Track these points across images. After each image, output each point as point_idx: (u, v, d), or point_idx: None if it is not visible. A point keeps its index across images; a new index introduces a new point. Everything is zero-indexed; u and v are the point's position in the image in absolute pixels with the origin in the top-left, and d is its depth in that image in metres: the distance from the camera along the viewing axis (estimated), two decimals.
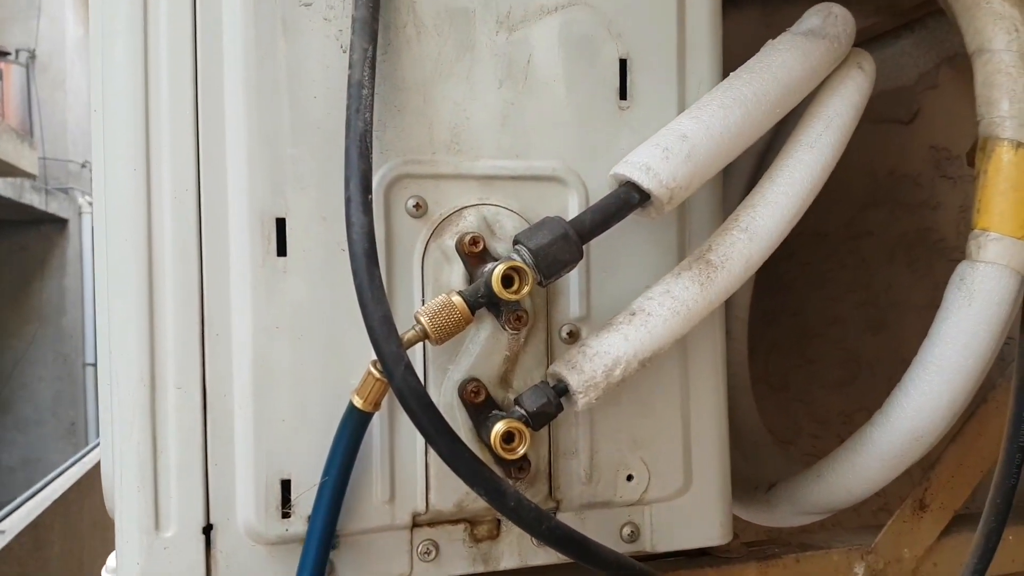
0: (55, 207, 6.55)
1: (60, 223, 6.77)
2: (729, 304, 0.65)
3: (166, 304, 0.54)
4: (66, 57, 7.09)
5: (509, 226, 0.58)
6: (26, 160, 5.62)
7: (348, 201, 0.51)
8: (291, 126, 0.55)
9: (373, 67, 0.53)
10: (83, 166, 6.90)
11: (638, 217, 0.57)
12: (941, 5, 0.75)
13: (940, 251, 0.91)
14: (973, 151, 0.67)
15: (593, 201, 0.59)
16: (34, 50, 6.86)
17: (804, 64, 0.61)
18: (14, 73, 6.54)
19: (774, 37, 1.22)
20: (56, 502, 3.85)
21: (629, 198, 0.55)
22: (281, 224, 0.55)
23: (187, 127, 0.54)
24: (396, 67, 0.57)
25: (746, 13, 1.27)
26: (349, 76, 0.52)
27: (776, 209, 0.58)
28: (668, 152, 0.55)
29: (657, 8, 0.61)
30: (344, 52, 0.56)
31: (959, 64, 0.92)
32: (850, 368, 1.09)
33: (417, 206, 0.57)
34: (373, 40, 0.53)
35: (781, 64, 0.60)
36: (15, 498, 3.88)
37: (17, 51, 6.70)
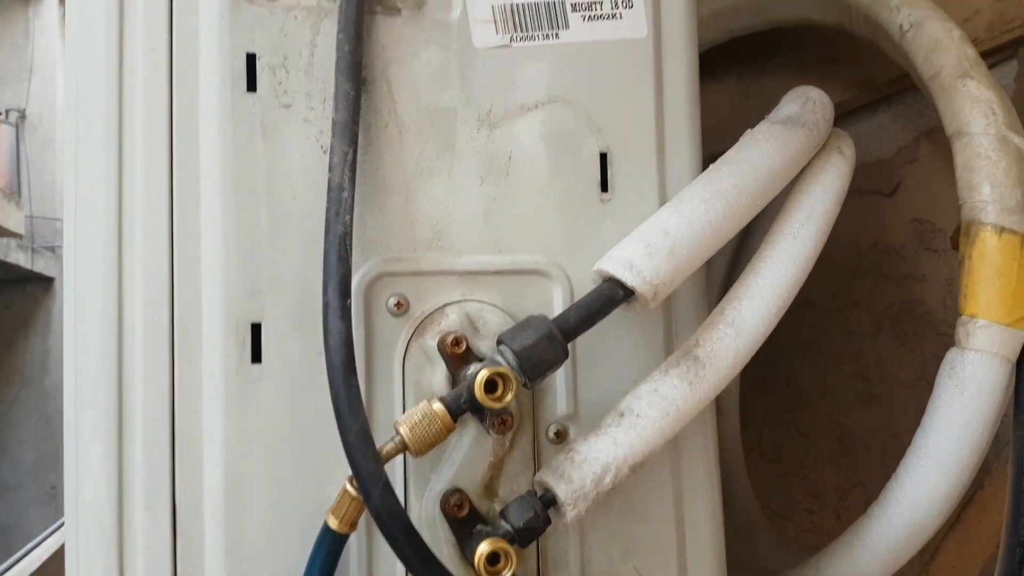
0: (41, 265, 6.51)
1: (46, 281, 6.72)
2: None
3: (135, 416, 0.53)
4: (56, 116, 7.15)
5: (493, 323, 0.57)
6: (13, 220, 5.61)
7: (326, 306, 0.49)
8: (269, 227, 0.54)
9: (353, 169, 0.52)
10: None
11: (623, 312, 0.56)
12: (918, 84, 0.77)
13: (928, 324, 0.91)
14: (957, 234, 0.67)
15: (577, 294, 0.59)
16: (24, 110, 6.91)
17: (783, 154, 0.61)
18: (4, 133, 6.57)
19: (751, 107, 1.24)
20: (34, 574, 3.72)
21: (613, 294, 0.54)
22: (256, 329, 0.54)
23: (161, 229, 0.54)
24: (378, 166, 0.56)
25: (724, 83, 1.29)
26: (329, 179, 0.52)
27: (761, 303, 0.57)
28: (651, 248, 0.54)
29: (635, 103, 0.61)
30: (324, 152, 0.55)
31: (937, 138, 0.93)
32: (844, 441, 1.07)
33: (398, 304, 0.56)
34: (353, 143, 0.52)
35: (761, 156, 0.60)
36: None
37: (8, 111, 6.75)
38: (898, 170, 0.98)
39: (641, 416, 0.53)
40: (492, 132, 0.59)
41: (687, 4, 0.63)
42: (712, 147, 1.27)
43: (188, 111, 0.54)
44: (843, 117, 1.02)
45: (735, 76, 1.24)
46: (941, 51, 0.72)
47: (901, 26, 0.77)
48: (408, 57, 0.57)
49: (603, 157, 0.61)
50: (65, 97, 0.53)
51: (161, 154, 0.54)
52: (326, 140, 0.55)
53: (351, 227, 0.51)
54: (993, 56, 0.82)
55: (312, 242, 0.54)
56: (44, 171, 6.95)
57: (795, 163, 0.62)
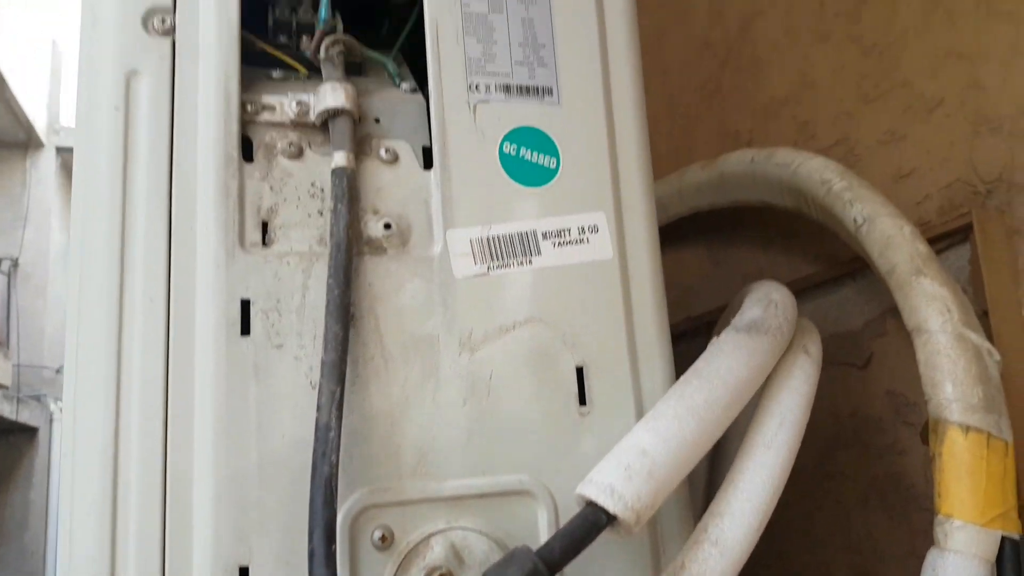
0: (26, 416, 6.40)
1: (30, 432, 6.58)
2: None
3: None
4: (49, 265, 7.27)
5: (479, 551, 0.57)
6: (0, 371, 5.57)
7: (311, 555, 0.50)
8: (258, 467, 0.56)
9: (340, 408, 0.54)
10: (57, 372, 6.84)
11: (607, 536, 0.57)
12: (875, 275, 0.81)
13: (912, 498, 0.92)
14: (926, 430, 0.69)
15: (562, 513, 0.60)
16: (17, 259, 7.04)
17: (750, 364, 0.64)
18: None
19: (722, 272, 1.28)
20: None
21: (597, 520, 0.55)
22: (244, 573, 0.54)
23: (156, 470, 0.55)
24: (364, 397, 0.59)
25: (695, 250, 1.36)
26: (317, 419, 0.54)
27: (743, 519, 0.58)
28: (630, 471, 0.56)
29: (606, 318, 0.65)
30: (313, 388, 0.58)
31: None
32: None
33: (383, 538, 0.57)
34: (341, 382, 0.55)
35: (728, 369, 0.63)
36: None
37: (1, 260, 6.86)
38: (868, 343, 1.01)
39: None
40: (473, 354, 0.62)
41: (647, 225, 0.68)
42: (689, 308, 1.31)
43: (184, 356, 0.57)
44: (809, 290, 1.08)
45: (704, 245, 1.31)
46: (894, 248, 0.77)
47: (855, 220, 0.83)
48: (394, 292, 0.61)
49: (579, 371, 0.64)
50: (66, 343, 0.56)
51: (157, 403, 0.56)
52: (315, 376, 0.58)
53: (336, 468, 0.53)
54: (945, 240, 0.87)
55: (299, 480, 0.55)
56: (35, 318, 6.98)
57: (762, 371, 0.65)
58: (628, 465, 0.57)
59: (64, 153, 6.97)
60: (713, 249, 1.30)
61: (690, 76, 1.41)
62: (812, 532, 1.07)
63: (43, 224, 7.36)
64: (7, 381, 5.79)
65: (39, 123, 6.69)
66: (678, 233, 1.33)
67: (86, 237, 0.58)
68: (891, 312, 0.98)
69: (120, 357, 0.56)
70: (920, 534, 0.90)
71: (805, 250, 1.12)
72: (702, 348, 0.66)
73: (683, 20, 1.44)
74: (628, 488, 0.55)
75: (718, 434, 0.61)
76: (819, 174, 0.91)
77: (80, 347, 0.57)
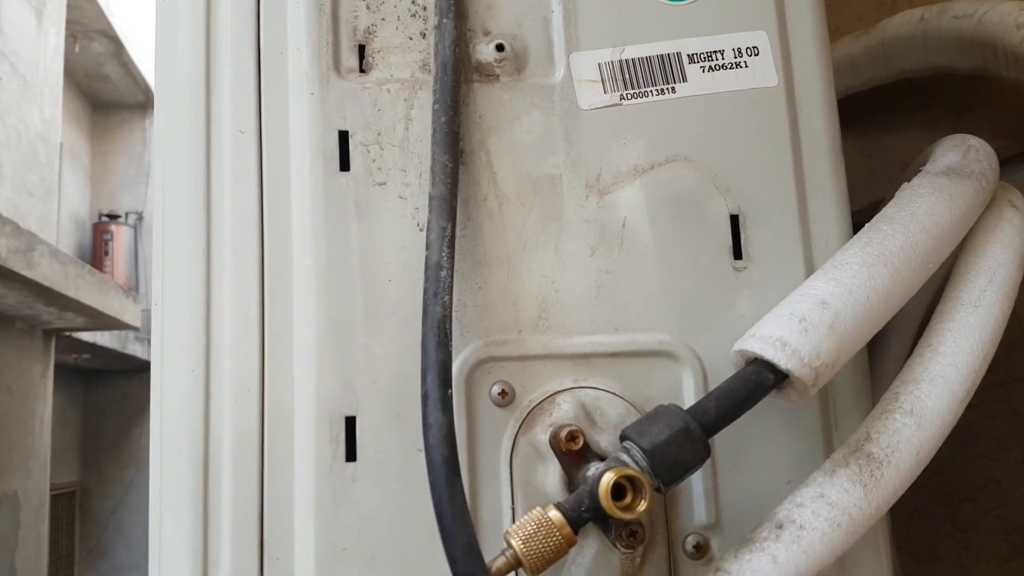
0: None
1: None
2: None
3: (221, 520, 0.47)
4: None
5: (612, 413, 0.49)
6: (131, 314, 5.97)
7: (425, 397, 0.43)
8: (363, 313, 0.49)
9: (452, 246, 0.47)
10: None
11: (773, 399, 0.47)
12: None
13: None
14: None
15: (711, 379, 0.50)
16: (141, 212, 7.48)
17: (953, 210, 0.52)
18: (124, 234, 7.10)
19: (876, 165, 1.13)
20: None
21: (762, 380, 0.45)
22: (351, 423, 0.48)
23: (252, 317, 0.49)
24: (477, 242, 0.51)
25: (843, 141, 1.20)
26: (427, 257, 0.46)
27: (945, 386, 0.47)
28: (807, 323, 0.45)
29: (769, 158, 0.54)
30: (421, 231, 0.50)
31: None
32: (1014, 540, 0.90)
33: (503, 393, 0.49)
34: (452, 218, 0.47)
35: (927, 212, 0.51)
36: None
37: (127, 214, 7.31)
38: None
39: (806, 528, 0.43)
40: (603, 198, 0.52)
41: (820, 47, 0.56)
42: None
43: (279, 194, 0.51)
44: None
45: (853, 135, 1.15)
46: None
47: None
48: (508, 124, 0.53)
49: (734, 220, 0.53)
50: (155, 183, 0.51)
51: (252, 239, 0.50)
52: (422, 217, 0.50)
53: (451, 309, 0.45)
54: None
55: (409, 328, 0.49)
56: None
57: (965, 219, 0.53)
58: (804, 317, 0.46)
59: None
60: (865, 139, 1.14)
61: None
62: (978, 446, 0.92)
63: None
64: (138, 324, 6.20)
65: None
66: None
67: (169, 67, 0.52)
68: None
69: (209, 194, 0.50)
70: None
71: (982, 125, 0.95)
72: None
73: None
74: (804, 342, 0.45)
75: (915, 287, 0.49)
76: (1013, 17, 0.75)
77: (167, 186, 0.51)
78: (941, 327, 0.50)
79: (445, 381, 0.43)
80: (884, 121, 1.09)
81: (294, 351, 0.49)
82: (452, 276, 0.46)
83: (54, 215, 4.82)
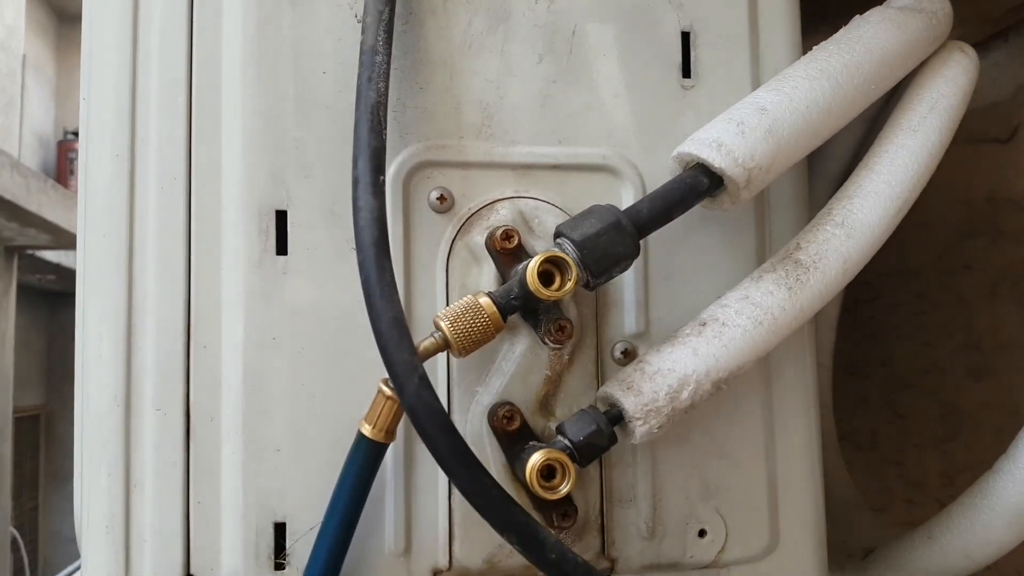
0: None
1: None
2: None
3: (146, 311, 0.46)
4: None
5: (550, 222, 0.49)
6: None
7: (356, 182, 0.42)
8: (296, 105, 0.48)
9: (390, 31, 0.45)
10: None
11: (707, 208, 0.47)
12: None
13: None
14: None
15: None
16: None
17: (900, 37, 0.51)
18: None
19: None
20: None
21: (696, 183, 0.45)
22: (282, 217, 0.47)
23: (179, 108, 0.47)
24: (419, 38, 0.49)
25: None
26: (362, 42, 0.45)
27: (877, 200, 0.47)
28: (744, 127, 0.45)
29: None
30: (359, 22, 0.48)
31: None
32: (950, 422, 0.94)
33: (441, 199, 0.48)
34: (390, 2, 0.45)
35: (874, 36, 0.50)
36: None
37: None
38: (1017, 112, 0.86)
39: (728, 325, 0.44)
40: (552, 3, 0.51)
41: None
42: None
43: None
44: None
45: (829, 27, 1.13)
46: None
47: None
48: None
49: (685, 36, 0.52)
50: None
51: (180, 25, 0.48)
52: (360, 7, 0.48)
53: (385, 96, 0.44)
54: None
55: (343, 120, 0.47)
56: None
57: (913, 50, 0.52)
58: (742, 122, 0.46)
59: None
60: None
61: None
62: (923, 335, 0.95)
63: None
64: None
65: None
66: None
67: None
68: None
69: None
70: None
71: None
72: None
73: None
74: (740, 143, 0.45)
75: (857, 107, 0.49)
76: None
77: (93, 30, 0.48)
78: (879, 149, 0.50)
79: (378, 167, 0.42)
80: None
81: (222, 142, 0.47)
82: (388, 63, 0.45)
83: (16, 128, 4.62)
